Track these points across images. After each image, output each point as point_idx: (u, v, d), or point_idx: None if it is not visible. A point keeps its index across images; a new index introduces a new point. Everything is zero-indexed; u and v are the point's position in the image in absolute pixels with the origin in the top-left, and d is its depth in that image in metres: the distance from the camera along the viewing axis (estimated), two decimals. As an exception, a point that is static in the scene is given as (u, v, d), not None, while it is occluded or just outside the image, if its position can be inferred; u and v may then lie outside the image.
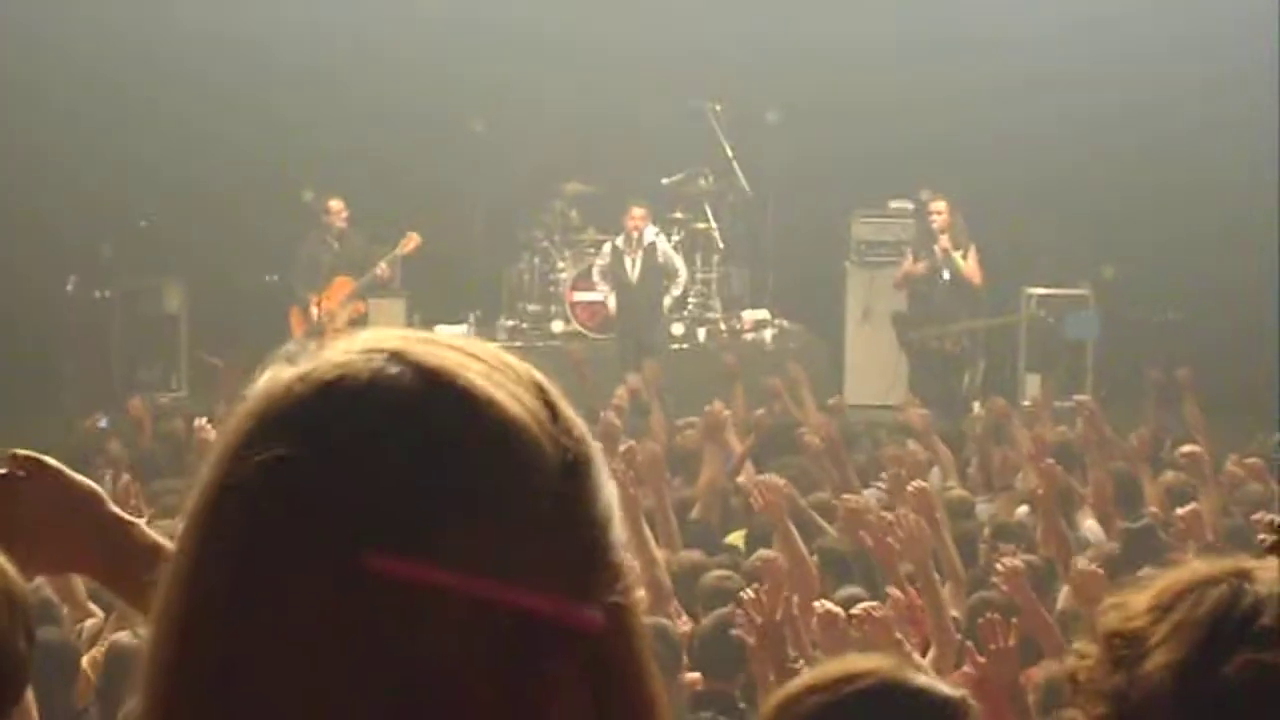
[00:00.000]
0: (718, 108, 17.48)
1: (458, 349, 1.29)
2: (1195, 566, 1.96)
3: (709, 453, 10.79)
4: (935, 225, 16.24)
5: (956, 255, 16.10)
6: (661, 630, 6.75)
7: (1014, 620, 5.96)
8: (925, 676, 3.03)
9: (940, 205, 16.20)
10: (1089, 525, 9.64)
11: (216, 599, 1.23)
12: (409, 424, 1.23)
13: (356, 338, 1.29)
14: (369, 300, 16.69)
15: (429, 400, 1.24)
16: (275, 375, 1.28)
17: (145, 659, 1.26)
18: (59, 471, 2.09)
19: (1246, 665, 1.83)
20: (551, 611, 1.22)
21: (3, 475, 2.06)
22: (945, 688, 2.98)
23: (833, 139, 17.68)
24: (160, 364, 17.12)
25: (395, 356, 1.26)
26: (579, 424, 1.30)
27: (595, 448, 1.30)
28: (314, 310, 16.13)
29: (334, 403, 1.24)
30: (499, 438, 1.24)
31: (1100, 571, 7.01)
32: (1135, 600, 1.93)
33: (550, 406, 1.28)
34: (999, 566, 7.36)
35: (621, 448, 9.91)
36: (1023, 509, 10.06)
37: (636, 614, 1.29)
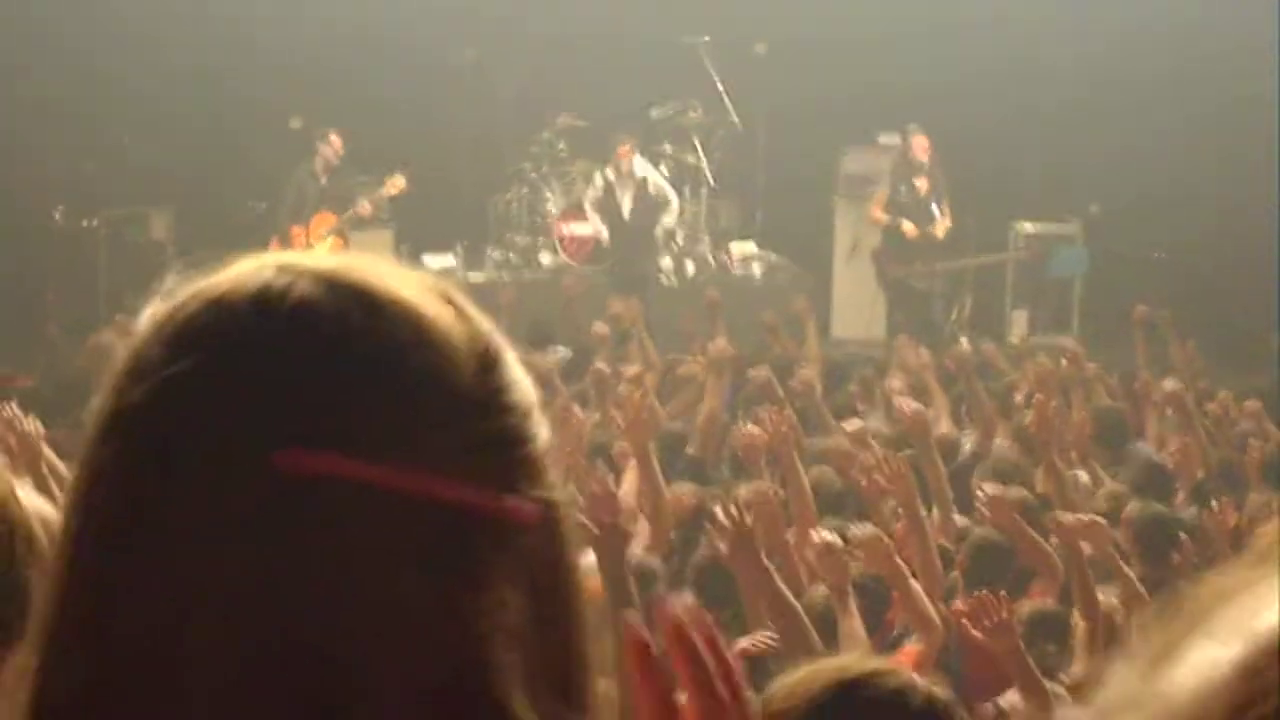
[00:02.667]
0: (706, 39, 17.42)
1: (347, 259, 1.24)
2: None
3: (710, 388, 10.71)
4: (915, 161, 16.21)
5: (932, 208, 16.09)
6: (646, 567, 6.80)
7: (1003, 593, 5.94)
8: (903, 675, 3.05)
9: (923, 141, 16.16)
10: (1078, 475, 9.58)
11: (107, 541, 1.16)
12: (306, 322, 1.17)
13: (238, 262, 1.24)
14: (354, 231, 16.61)
15: (325, 299, 1.18)
16: (159, 305, 1.24)
17: (36, 614, 1.18)
18: None
19: None
20: (479, 503, 1.17)
21: None
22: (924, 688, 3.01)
23: (823, 73, 17.62)
24: (147, 292, 17.00)
25: (283, 268, 1.21)
26: (487, 321, 1.25)
27: (505, 344, 1.25)
28: (293, 242, 16.04)
29: (223, 314, 1.18)
30: (405, 328, 1.19)
31: (1103, 524, 7.04)
32: None
33: (455, 305, 1.24)
34: (979, 494, 7.40)
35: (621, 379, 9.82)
36: (999, 443, 10.05)
37: (562, 510, 1.24)
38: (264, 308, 1.18)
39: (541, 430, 1.24)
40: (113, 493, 1.16)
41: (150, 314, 1.23)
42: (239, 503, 1.13)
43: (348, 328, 1.17)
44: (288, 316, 1.18)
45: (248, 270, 1.22)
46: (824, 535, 6.51)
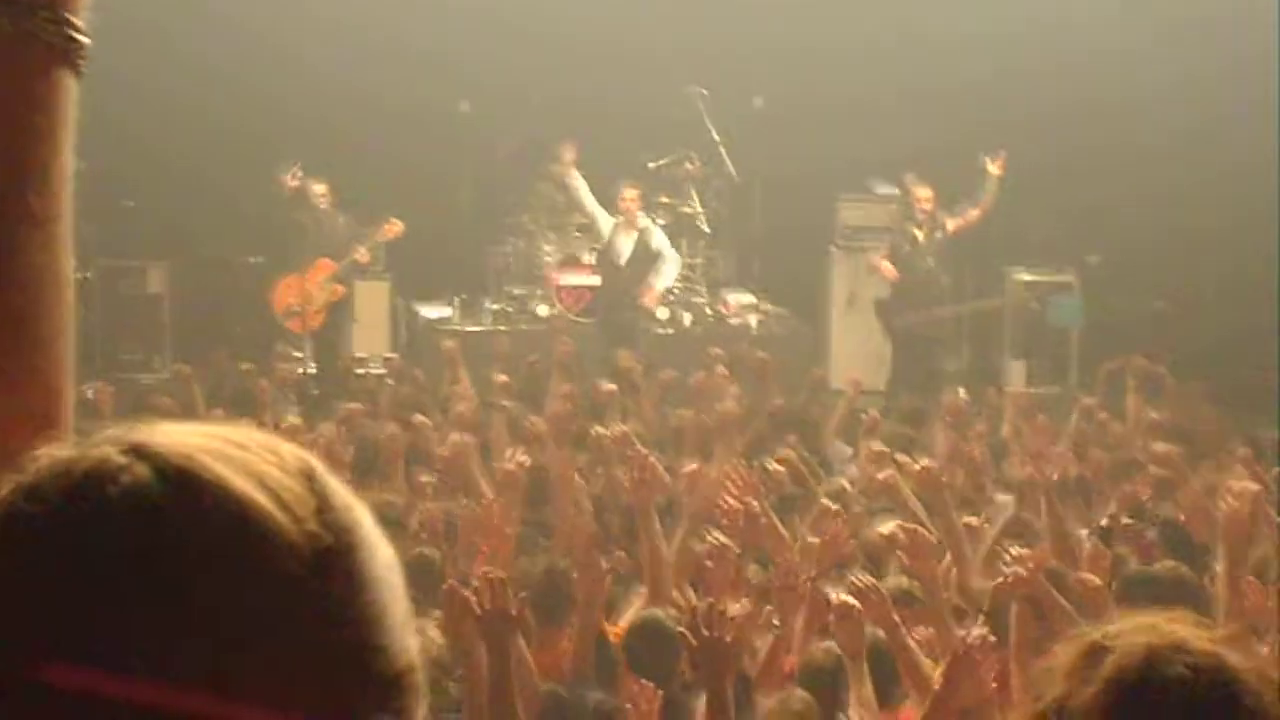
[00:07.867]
0: (705, 92, 17.42)
1: (216, 437, 1.13)
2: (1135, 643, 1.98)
3: (720, 450, 10.65)
4: (919, 212, 16.09)
5: (943, 218, 15.90)
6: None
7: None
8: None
9: (926, 192, 16.03)
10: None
11: None
12: (112, 523, 1.08)
13: (97, 436, 1.14)
14: (354, 282, 16.66)
15: (146, 495, 1.09)
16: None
17: None
18: None
19: None
20: None
21: None
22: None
23: (820, 126, 17.64)
24: (142, 345, 17.06)
25: (133, 450, 1.11)
26: (351, 512, 1.13)
27: (368, 538, 1.13)
28: (294, 292, 16.06)
29: (33, 502, 1.10)
30: (223, 530, 1.07)
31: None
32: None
33: (319, 494, 1.12)
34: (1007, 558, 7.22)
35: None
36: (1005, 499, 10.00)
37: None
38: (74, 503, 1.09)
39: (399, 641, 1.12)
40: None
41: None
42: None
43: (159, 529, 1.08)
44: (93, 516, 1.08)
45: (97, 453, 1.12)
46: (841, 596, 6.37)
